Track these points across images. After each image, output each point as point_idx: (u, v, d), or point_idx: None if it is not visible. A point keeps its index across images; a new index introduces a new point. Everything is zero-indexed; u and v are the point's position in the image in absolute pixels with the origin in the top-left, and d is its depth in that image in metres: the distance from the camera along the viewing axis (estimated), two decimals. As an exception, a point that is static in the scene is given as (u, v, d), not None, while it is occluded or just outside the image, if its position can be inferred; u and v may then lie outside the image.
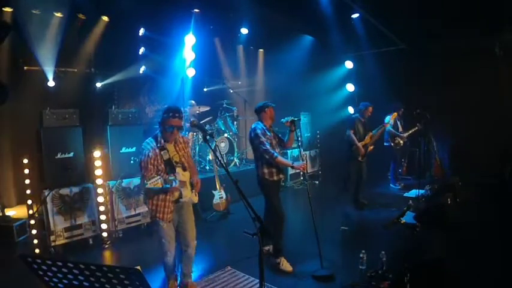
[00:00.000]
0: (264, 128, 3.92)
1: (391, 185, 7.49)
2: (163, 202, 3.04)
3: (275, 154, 3.78)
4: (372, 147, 6.07)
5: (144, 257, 4.15)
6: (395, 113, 6.54)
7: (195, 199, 3.31)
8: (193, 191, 3.25)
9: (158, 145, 3.00)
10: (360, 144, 5.87)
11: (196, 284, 3.47)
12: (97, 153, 4.65)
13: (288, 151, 7.58)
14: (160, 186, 2.74)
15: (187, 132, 6.51)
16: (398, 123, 7.28)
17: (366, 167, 6.14)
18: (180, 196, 3.09)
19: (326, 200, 6.55)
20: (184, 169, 3.13)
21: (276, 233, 3.81)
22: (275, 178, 3.89)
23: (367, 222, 5.43)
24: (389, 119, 6.88)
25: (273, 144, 3.90)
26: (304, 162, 3.89)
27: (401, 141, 7.24)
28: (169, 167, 3.01)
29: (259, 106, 4.05)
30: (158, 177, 2.73)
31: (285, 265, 3.80)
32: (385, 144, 7.31)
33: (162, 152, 2.97)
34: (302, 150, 8.16)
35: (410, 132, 7.18)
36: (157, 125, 3.11)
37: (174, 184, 2.90)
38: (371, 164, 6.68)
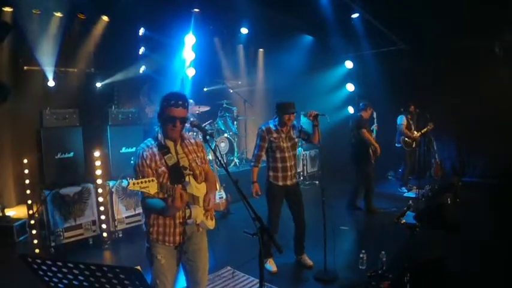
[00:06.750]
0: (273, 127, 3.68)
1: (398, 188, 7.21)
2: (166, 221, 2.21)
3: (251, 164, 3.75)
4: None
5: (144, 257, 4.14)
6: (371, 110, 5.97)
7: (210, 224, 2.38)
8: (206, 212, 2.33)
9: (156, 142, 2.22)
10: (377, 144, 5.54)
11: None
12: (97, 153, 4.65)
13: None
14: (152, 193, 1.87)
15: (187, 132, 6.50)
16: (411, 122, 6.97)
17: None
18: (189, 216, 2.20)
19: (325, 199, 6.53)
20: (196, 179, 2.28)
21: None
22: (280, 183, 3.71)
23: (367, 222, 5.43)
24: (402, 120, 6.80)
25: (282, 147, 3.67)
26: (256, 189, 3.71)
27: (413, 142, 6.81)
28: (176, 174, 2.17)
29: (279, 104, 3.63)
30: (151, 178, 1.89)
31: (270, 264, 3.76)
32: (396, 145, 7.03)
33: (166, 157, 2.16)
34: (302, 150, 8.18)
35: (422, 131, 6.70)
36: (157, 124, 2.30)
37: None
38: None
